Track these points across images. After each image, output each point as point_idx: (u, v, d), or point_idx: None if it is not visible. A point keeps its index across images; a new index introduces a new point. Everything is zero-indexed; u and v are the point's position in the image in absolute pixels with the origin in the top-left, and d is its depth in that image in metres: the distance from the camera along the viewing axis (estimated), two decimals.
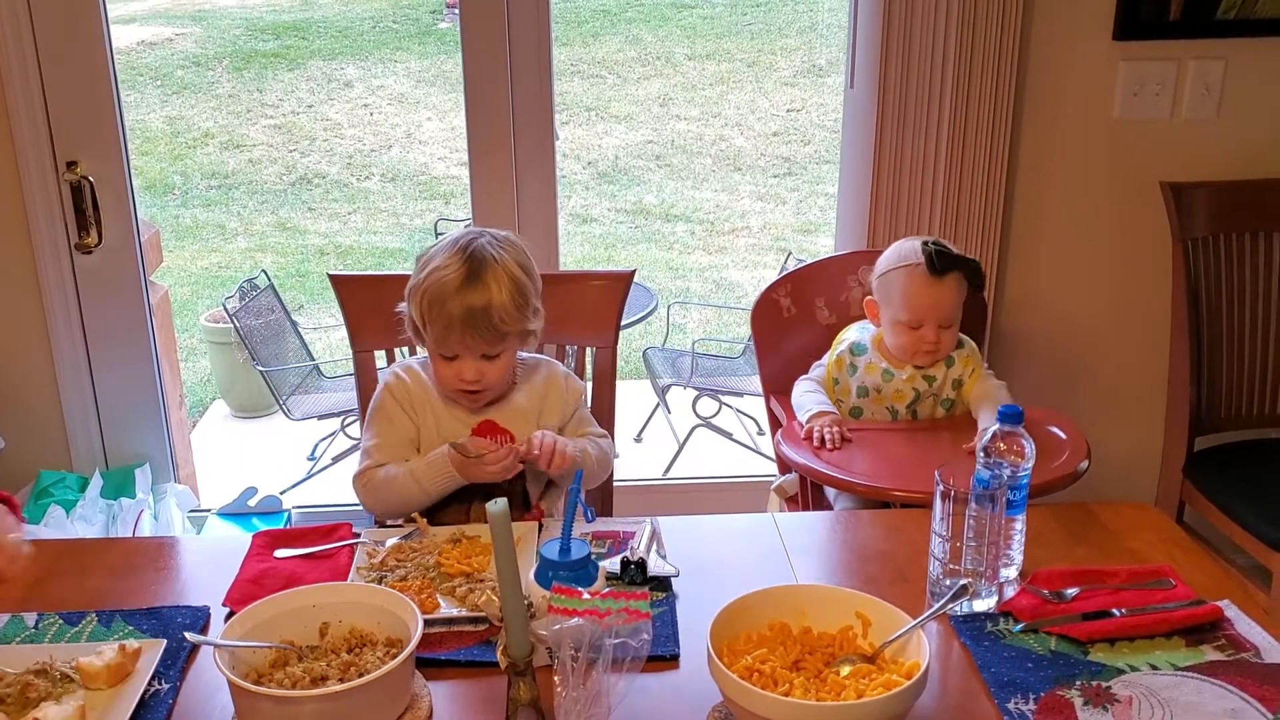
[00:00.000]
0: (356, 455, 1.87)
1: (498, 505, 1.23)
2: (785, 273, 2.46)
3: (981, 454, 1.48)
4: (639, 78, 8.52)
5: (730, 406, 4.32)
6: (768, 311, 2.32)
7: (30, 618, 1.47)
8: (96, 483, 2.62)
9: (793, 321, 2.33)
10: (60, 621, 1.46)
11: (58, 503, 2.52)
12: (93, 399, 2.70)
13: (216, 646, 1.27)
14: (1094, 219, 2.70)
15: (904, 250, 2.12)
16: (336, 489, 3.84)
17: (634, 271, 2.03)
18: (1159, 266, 2.64)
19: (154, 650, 1.37)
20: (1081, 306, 2.77)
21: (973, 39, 2.43)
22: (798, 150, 7.81)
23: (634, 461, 4.16)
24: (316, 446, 4.23)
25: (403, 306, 1.80)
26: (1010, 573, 1.52)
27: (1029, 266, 2.72)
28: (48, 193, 2.54)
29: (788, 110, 8.17)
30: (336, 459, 4.10)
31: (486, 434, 1.78)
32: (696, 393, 4.17)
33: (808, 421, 2.05)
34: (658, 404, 4.36)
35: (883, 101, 2.49)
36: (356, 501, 1.83)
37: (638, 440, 4.43)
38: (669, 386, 4.20)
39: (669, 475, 4.01)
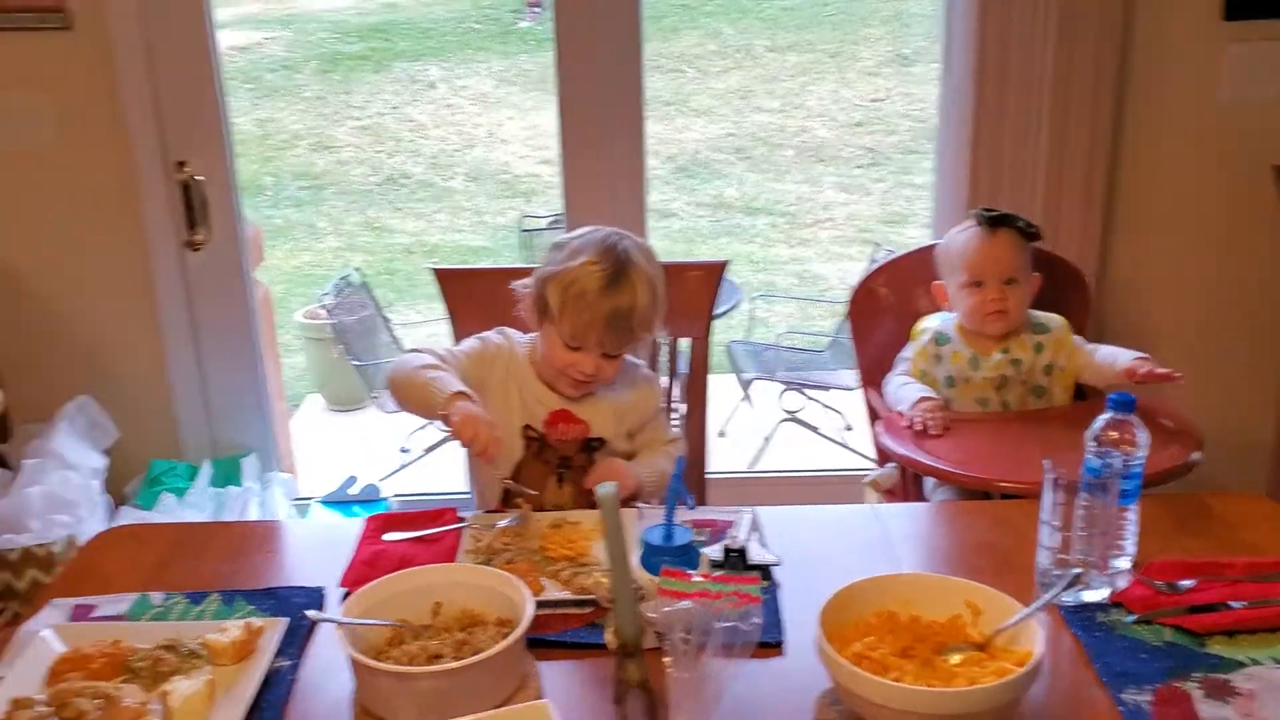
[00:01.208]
0: (449, 446, 1.90)
1: (607, 488, 1.25)
2: (883, 261, 2.45)
3: (1092, 443, 1.46)
4: (719, 71, 8.51)
5: (816, 401, 4.30)
6: (865, 301, 2.31)
7: (157, 596, 1.52)
8: (206, 471, 2.71)
9: (891, 311, 2.32)
10: (185, 600, 1.52)
11: (169, 490, 2.60)
12: (201, 391, 2.78)
13: (338, 624, 1.31)
14: (1201, 205, 2.64)
15: (959, 226, 2.23)
16: (429, 479, 3.91)
17: (727, 262, 2.04)
18: (1271, 251, 2.57)
19: (276, 628, 1.41)
20: (1188, 294, 2.71)
21: (1074, 21, 2.39)
22: (882, 140, 7.74)
23: (718, 456, 4.14)
24: (408, 439, 4.31)
25: (520, 284, 1.82)
26: (1122, 563, 1.50)
27: (1134, 253, 2.67)
28: (160, 192, 2.63)
29: (871, 100, 8.10)
30: (429, 449, 4.16)
31: (560, 422, 1.82)
32: (782, 387, 4.15)
33: (912, 407, 2.04)
34: (742, 398, 4.36)
35: (980, 88, 2.46)
36: (454, 490, 1.86)
37: (721, 435, 4.43)
38: (753, 381, 4.19)
39: (754, 469, 4.00)
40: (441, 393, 1.66)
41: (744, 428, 4.35)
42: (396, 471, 4.06)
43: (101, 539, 1.74)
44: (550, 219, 5.31)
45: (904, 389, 2.13)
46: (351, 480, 2.99)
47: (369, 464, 4.06)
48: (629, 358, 1.89)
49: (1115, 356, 2.11)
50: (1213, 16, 2.49)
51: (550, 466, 1.83)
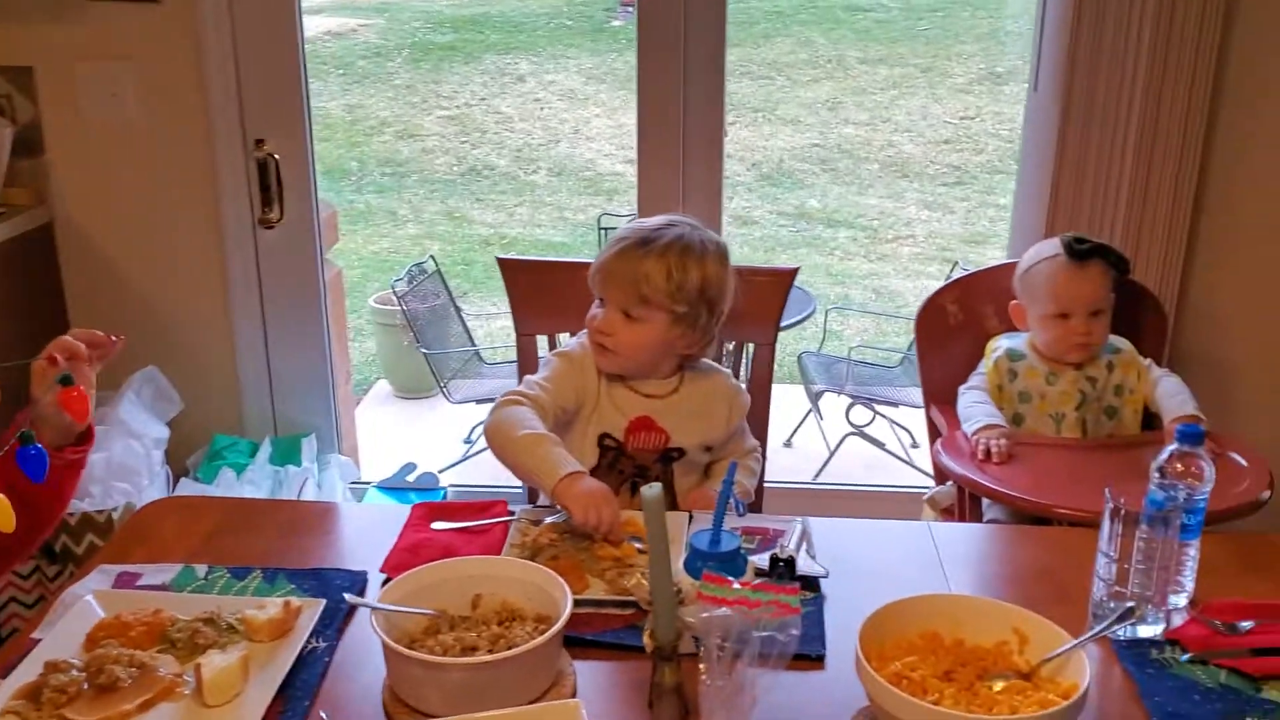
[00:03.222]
0: None
1: (653, 490, 1.23)
2: (953, 279, 2.40)
3: (1157, 474, 1.41)
4: (809, 80, 8.45)
5: (884, 417, 4.23)
6: (933, 317, 2.27)
7: (201, 569, 1.54)
8: (266, 449, 2.74)
9: (959, 329, 2.27)
10: (228, 575, 1.53)
11: (229, 465, 2.64)
12: (266, 369, 2.82)
13: (373, 609, 1.30)
14: None
15: (1043, 247, 2.17)
16: (491, 472, 3.90)
17: (797, 269, 2.01)
18: None
19: (314, 609, 1.41)
20: (1269, 326, 2.61)
21: (1168, 39, 2.32)
22: (969, 159, 7.62)
23: (783, 466, 4.11)
24: (473, 430, 4.32)
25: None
26: (1179, 600, 1.44)
27: (1216, 279, 2.58)
28: (236, 167, 2.66)
29: (961, 118, 7.98)
30: None
31: (641, 430, 1.79)
32: (851, 400, 4.10)
33: (974, 434, 2.00)
34: (810, 409, 4.31)
35: (1067, 105, 2.39)
36: (512, 484, 1.84)
37: (787, 445, 4.38)
38: (822, 392, 4.13)
39: (817, 481, 3.95)
40: (552, 477, 1.60)
41: (812, 439, 4.30)
42: (459, 462, 4.08)
43: (154, 507, 1.76)
44: (629, 217, 5.30)
45: (974, 408, 2.09)
46: (410, 467, 3.01)
47: (432, 452, 4.09)
48: (714, 365, 1.86)
49: (1170, 401, 2.06)
50: None
51: (625, 476, 1.80)
